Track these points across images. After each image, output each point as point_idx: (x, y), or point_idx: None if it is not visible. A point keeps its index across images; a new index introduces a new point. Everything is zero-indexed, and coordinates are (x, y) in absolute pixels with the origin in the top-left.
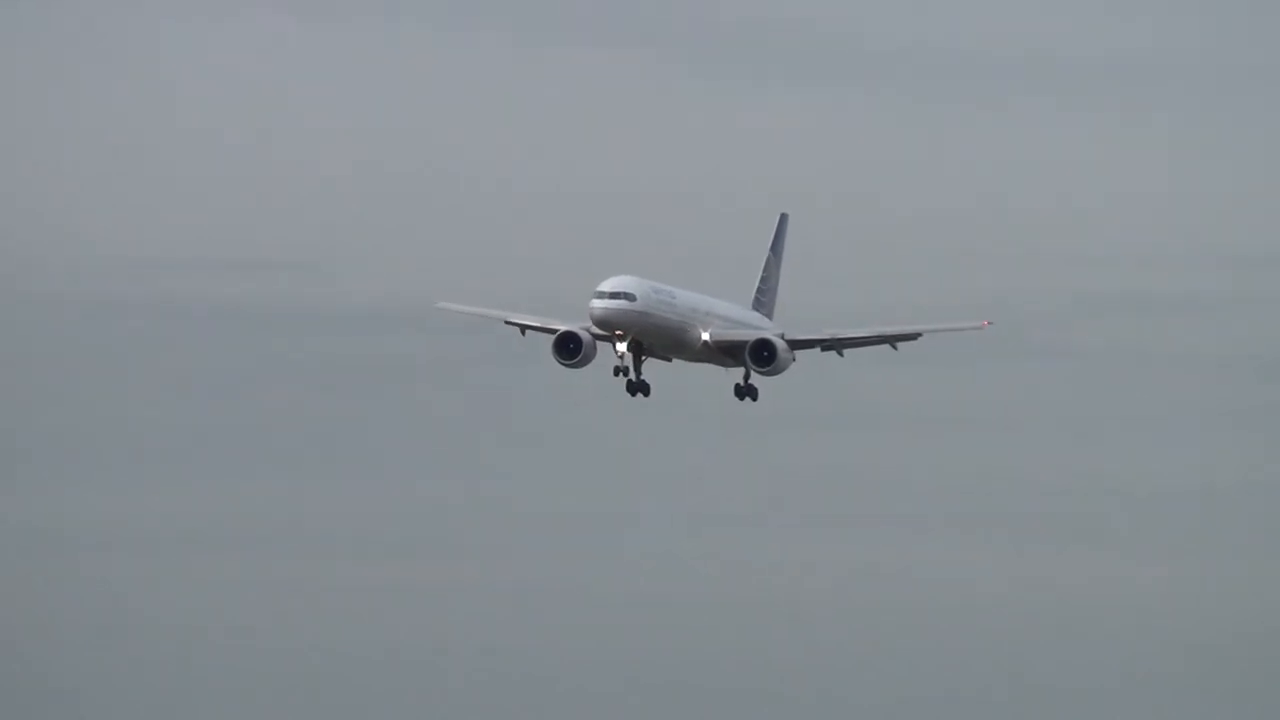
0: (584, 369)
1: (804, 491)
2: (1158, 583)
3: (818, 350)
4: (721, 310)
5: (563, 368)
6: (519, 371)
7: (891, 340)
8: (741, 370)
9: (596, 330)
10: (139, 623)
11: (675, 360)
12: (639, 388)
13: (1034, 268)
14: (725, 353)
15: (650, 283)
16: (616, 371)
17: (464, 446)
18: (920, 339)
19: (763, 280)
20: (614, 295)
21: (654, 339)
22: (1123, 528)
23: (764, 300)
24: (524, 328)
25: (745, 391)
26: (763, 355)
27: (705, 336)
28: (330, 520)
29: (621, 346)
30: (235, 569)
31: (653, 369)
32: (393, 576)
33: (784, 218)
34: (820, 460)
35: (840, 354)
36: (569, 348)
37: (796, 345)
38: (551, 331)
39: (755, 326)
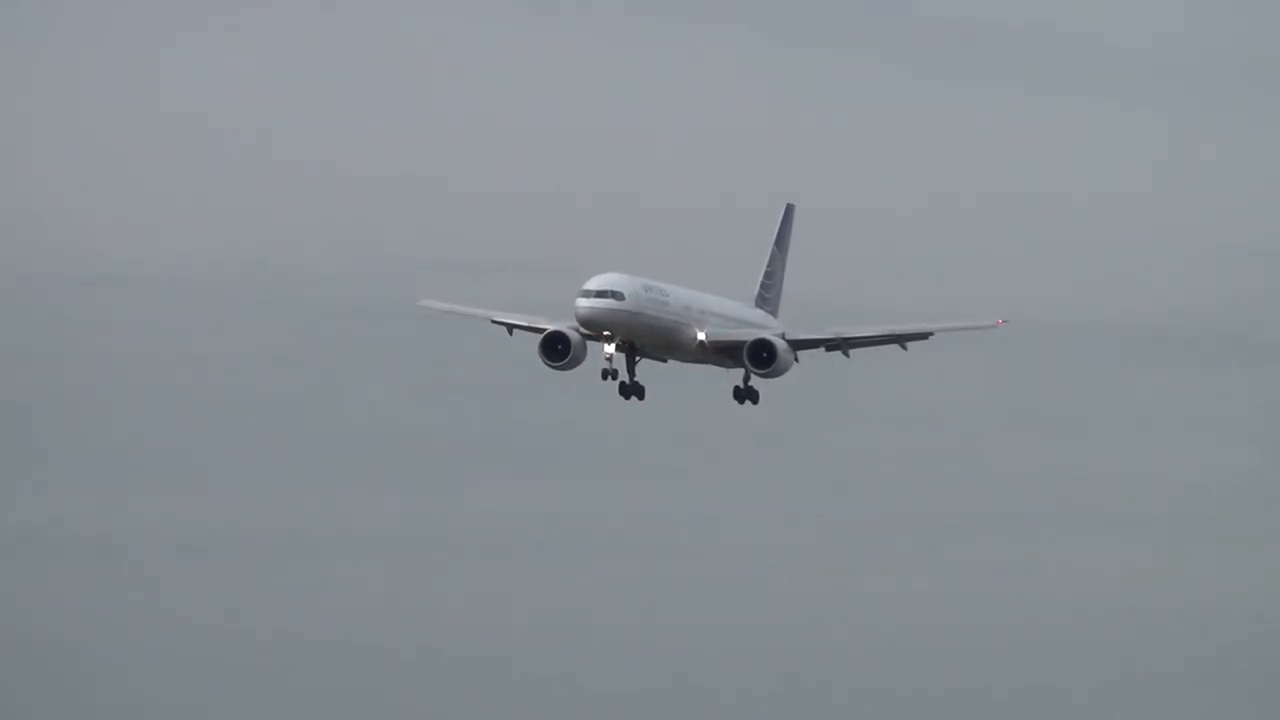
0: (574, 370)
1: (807, 498)
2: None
3: (822, 351)
4: (719, 308)
5: (551, 369)
6: (503, 373)
7: (901, 340)
8: (742, 372)
9: (585, 330)
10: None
11: (672, 361)
12: (632, 390)
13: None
14: (723, 353)
15: (640, 280)
16: (605, 374)
17: (438, 453)
18: (931, 338)
19: (767, 276)
20: (600, 294)
21: (646, 340)
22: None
23: (768, 298)
24: (511, 327)
25: (745, 394)
26: (762, 356)
27: (701, 336)
28: (316, 526)
29: (610, 348)
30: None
31: (648, 371)
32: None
33: (790, 209)
34: (824, 468)
35: (846, 354)
36: (557, 349)
37: (799, 345)
38: (539, 331)
39: (758, 325)
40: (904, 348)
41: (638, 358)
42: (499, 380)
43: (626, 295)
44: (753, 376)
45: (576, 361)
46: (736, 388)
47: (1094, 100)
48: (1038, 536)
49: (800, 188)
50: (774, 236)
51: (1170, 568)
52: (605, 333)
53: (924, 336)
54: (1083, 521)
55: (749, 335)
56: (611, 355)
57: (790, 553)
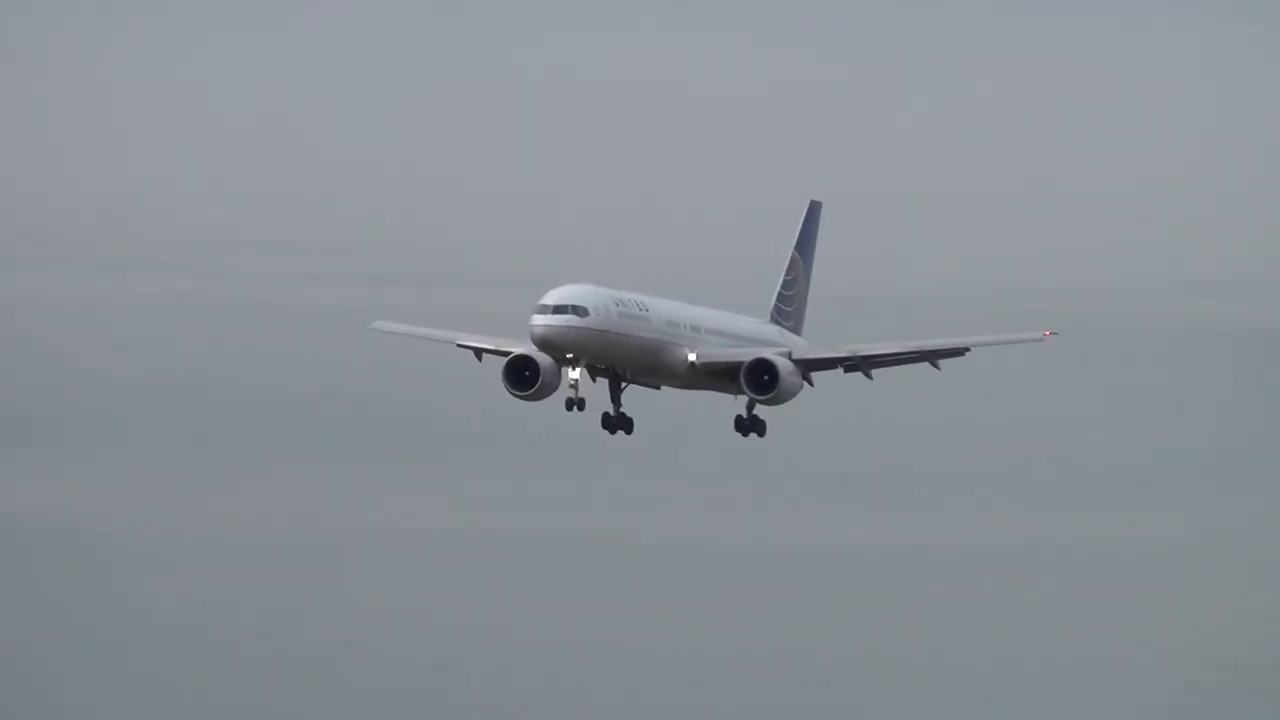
0: (548, 400)
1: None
2: None
3: (840, 372)
4: (719, 324)
5: (518, 400)
6: (459, 404)
7: (932, 357)
8: (746, 399)
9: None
10: None
11: (667, 388)
12: (618, 423)
13: None
14: (719, 377)
15: (612, 291)
16: (569, 404)
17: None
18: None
19: (785, 286)
20: (559, 309)
21: (622, 362)
22: None
23: (787, 311)
24: (479, 351)
25: (749, 425)
26: (761, 379)
27: (692, 358)
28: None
29: (574, 373)
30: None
31: (638, 399)
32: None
33: (815, 207)
34: (840, 519)
35: (868, 375)
36: (524, 375)
37: (810, 366)
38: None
39: (768, 343)
40: (936, 366)
41: (623, 384)
42: (455, 412)
43: (591, 310)
44: (757, 404)
45: (548, 390)
46: (739, 417)
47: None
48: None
49: (824, 182)
50: (795, 239)
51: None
52: (568, 356)
53: (959, 353)
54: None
55: (746, 355)
56: (576, 382)
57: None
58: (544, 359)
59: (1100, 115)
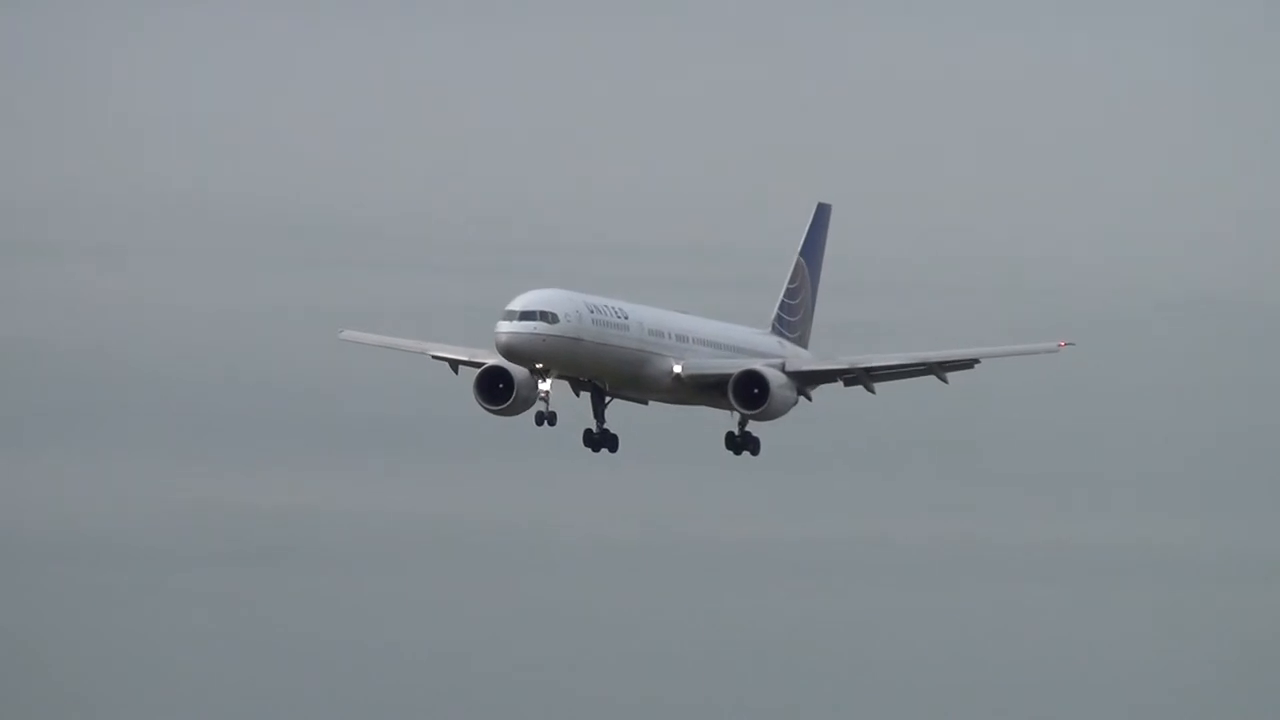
0: (523, 414)
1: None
2: None
3: (841, 385)
4: (709, 333)
5: (490, 414)
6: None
7: (938, 369)
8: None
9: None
10: None
11: (653, 403)
12: (601, 441)
13: None
14: (707, 391)
15: (585, 297)
16: (539, 419)
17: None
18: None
19: (788, 294)
20: (526, 315)
21: (598, 374)
22: None
23: (791, 321)
24: (454, 363)
25: (741, 442)
26: (751, 393)
27: (677, 369)
28: None
29: (545, 385)
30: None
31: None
32: None
33: (823, 209)
34: (839, 547)
35: (870, 389)
36: (498, 388)
37: (806, 379)
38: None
39: (765, 355)
40: (943, 379)
41: (607, 398)
42: (418, 428)
43: (562, 316)
44: (749, 420)
45: (525, 404)
46: (730, 434)
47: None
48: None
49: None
50: (800, 244)
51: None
52: (537, 366)
53: (968, 365)
54: None
55: (735, 366)
56: (547, 394)
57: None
58: (520, 371)
59: (1112, 115)
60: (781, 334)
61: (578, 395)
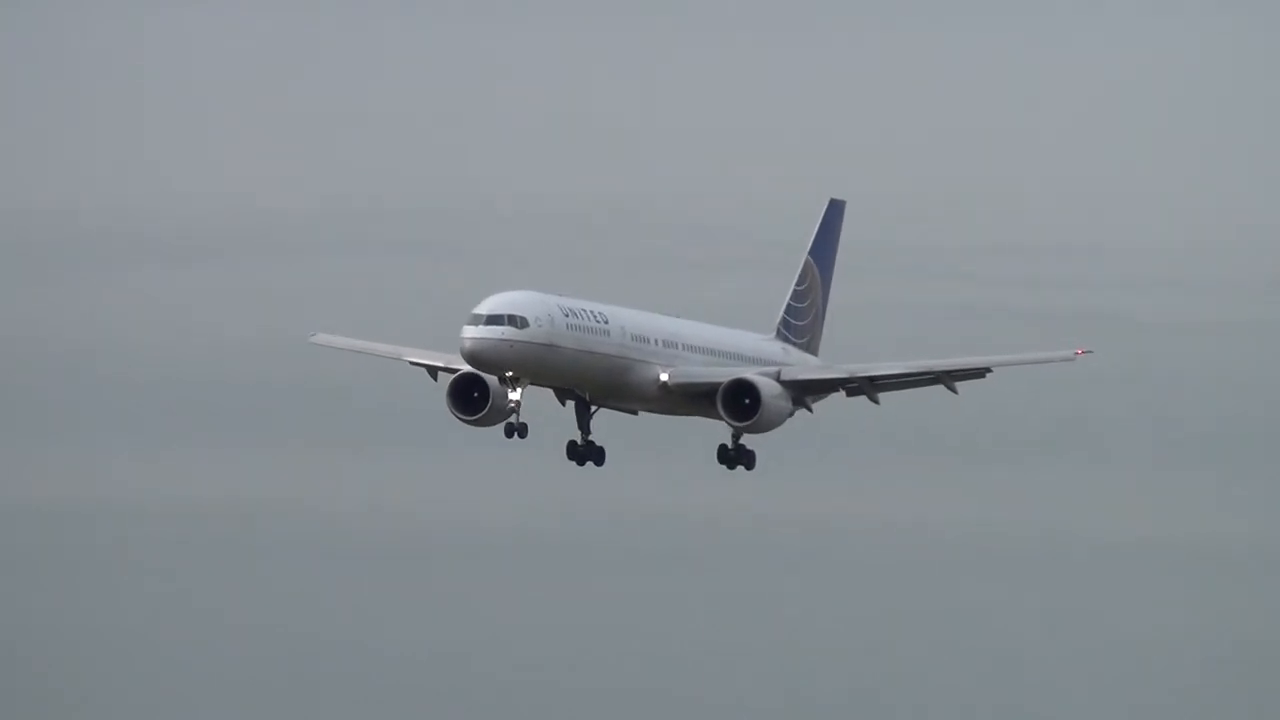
0: (499, 425)
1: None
2: None
3: (843, 395)
4: (703, 338)
5: (464, 424)
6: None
7: (947, 378)
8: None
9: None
10: None
11: (643, 413)
12: (587, 453)
13: None
14: (698, 400)
15: (561, 299)
16: (508, 431)
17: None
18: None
19: (796, 296)
20: (493, 319)
21: (576, 382)
22: None
23: (799, 326)
24: (433, 369)
25: (734, 456)
26: (742, 403)
27: (664, 377)
28: None
29: (515, 394)
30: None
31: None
32: None
33: (836, 206)
34: (841, 574)
35: (874, 399)
36: (472, 396)
37: (804, 389)
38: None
39: (766, 362)
40: (953, 389)
41: (593, 408)
42: (390, 434)
43: (532, 320)
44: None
45: (500, 414)
46: (723, 447)
47: None
48: None
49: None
50: (810, 242)
51: None
52: (508, 374)
53: (980, 374)
54: None
55: (725, 374)
56: (517, 404)
57: None
58: (495, 380)
59: (1129, 112)
60: (788, 339)
61: (563, 404)
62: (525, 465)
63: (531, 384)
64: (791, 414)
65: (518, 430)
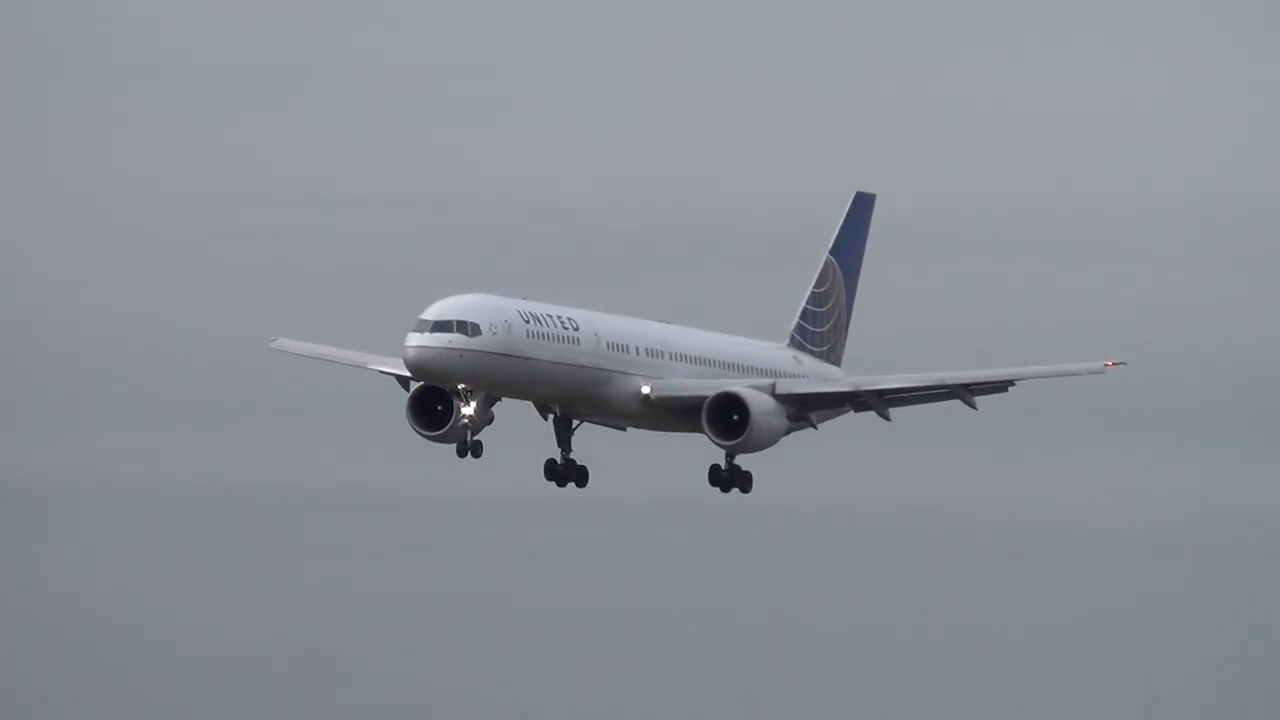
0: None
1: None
2: None
3: (850, 411)
4: (697, 347)
5: (427, 440)
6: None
7: (964, 393)
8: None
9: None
10: None
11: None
12: (567, 473)
13: None
14: (685, 416)
15: (521, 303)
16: (460, 449)
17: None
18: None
19: (814, 300)
20: (440, 325)
21: (543, 396)
22: None
23: (817, 333)
24: (403, 379)
25: (728, 478)
26: (729, 420)
27: (646, 390)
28: None
29: (468, 409)
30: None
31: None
32: None
33: (863, 200)
34: (841, 608)
35: (884, 415)
36: (436, 410)
37: (804, 404)
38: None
39: (776, 374)
40: (971, 404)
41: (575, 424)
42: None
43: (485, 327)
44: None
45: (465, 428)
46: (715, 467)
47: None
48: None
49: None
50: (831, 240)
51: None
52: (460, 386)
53: (1001, 388)
54: None
55: (712, 388)
56: (469, 420)
57: None
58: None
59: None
60: (803, 347)
61: (545, 419)
62: (494, 484)
63: (490, 397)
64: (789, 431)
65: (470, 449)
